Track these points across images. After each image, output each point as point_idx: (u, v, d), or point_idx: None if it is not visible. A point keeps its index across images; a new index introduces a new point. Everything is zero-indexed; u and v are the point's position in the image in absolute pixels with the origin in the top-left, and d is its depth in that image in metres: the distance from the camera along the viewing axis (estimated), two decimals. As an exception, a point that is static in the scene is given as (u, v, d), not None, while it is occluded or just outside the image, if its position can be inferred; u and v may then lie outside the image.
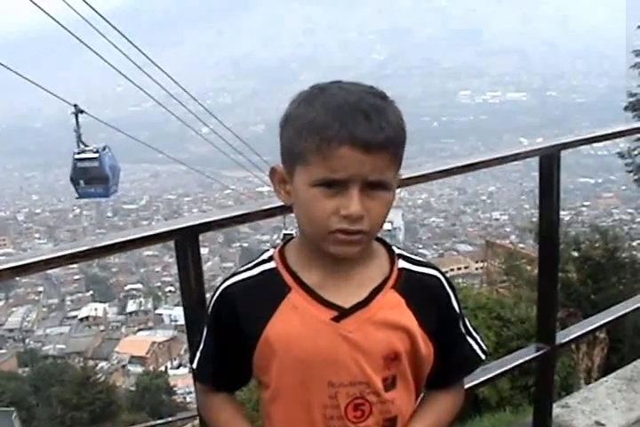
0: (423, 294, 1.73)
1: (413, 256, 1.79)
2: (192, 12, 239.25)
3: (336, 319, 1.65)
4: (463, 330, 1.81)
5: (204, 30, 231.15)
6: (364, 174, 1.53)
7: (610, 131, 3.22)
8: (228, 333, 1.72)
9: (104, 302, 66.79)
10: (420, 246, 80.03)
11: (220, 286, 1.75)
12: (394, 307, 1.69)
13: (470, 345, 1.81)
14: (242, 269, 1.76)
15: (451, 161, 2.68)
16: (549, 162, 2.90)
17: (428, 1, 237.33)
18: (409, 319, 1.69)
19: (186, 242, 2.11)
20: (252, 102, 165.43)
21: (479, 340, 1.82)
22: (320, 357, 1.67)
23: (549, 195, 2.95)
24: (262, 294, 1.70)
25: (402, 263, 1.74)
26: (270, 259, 1.73)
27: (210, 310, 1.76)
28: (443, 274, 1.80)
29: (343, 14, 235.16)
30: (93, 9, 17.88)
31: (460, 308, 1.80)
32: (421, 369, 1.76)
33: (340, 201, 1.54)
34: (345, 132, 1.50)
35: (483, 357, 1.81)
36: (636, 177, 18.40)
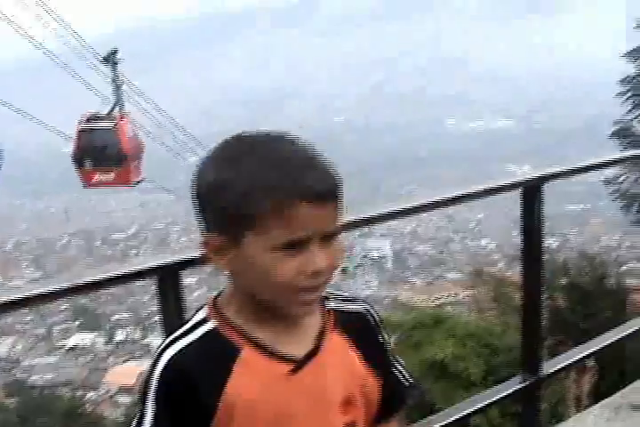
0: (359, 330, 1.72)
1: (340, 293, 1.76)
2: (182, 39, 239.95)
3: (292, 372, 1.61)
4: (393, 359, 1.80)
5: (193, 58, 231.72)
6: (323, 228, 1.49)
7: (590, 163, 3.24)
8: (183, 410, 1.58)
9: (92, 332, 66.36)
10: (409, 274, 79.91)
11: (159, 357, 1.61)
12: (339, 350, 1.67)
13: (403, 374, 1.80)
14: (178, 334, 1.63)
15: (433, 195, 2.69)
16: (532, 195, 2.90)
17: (415, 30, 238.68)
18: (355, 360, 1.68)
19: (167, 279, 2.10)
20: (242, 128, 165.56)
21: (404, 368, 1.81)
22: (282, 414, 1.61)
23: (532, 227, 2.95)
24: (211, 358, 1.60)
25: (332, 303, 1.71)
26: (207, 318, 1.63)
27: (154, 388, 1.59)
28: (370, 306, 1.79)
29: (330, 43, 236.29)
30: (85, 43, 18.02)
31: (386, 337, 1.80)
32: (371, 408, 1.73)
33: (303, 259, 1.49)
34: (298, 188, 1.44)
35: (410, 384, 1.80)
36: (622, 204, 18.48)
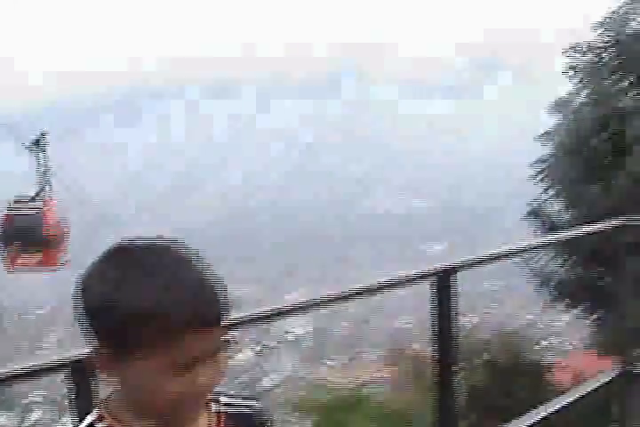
0: None
1: (229, 393, 1.76)
2: (101, 113, 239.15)
3: None
4: None
5: (109, 134, 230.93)
6: (209, 350, 1.49)
7: (499, 251, 3.30)
8: None
9: (4, 413, 64.33)
10: (329, 353, 79.44)
11: None
12: None
13: None
14: None
15: (347, 286, 2.71)
16: (444, 283, 2.94)
17: (327, 113, 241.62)
18: None
19: (79, 373, 2.08)
20: (158, 210, 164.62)
21: None
22: None
23: (444, 312, 2.98)
24: None
25: (221, 404, 1.72)
26: (95, 422, 1.60)
27: None
28: (260, 405, 1.79)
29: (247, 123, 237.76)
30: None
31: None
32: None
33: (188, 379, 1.48)
34: (184, 315, 1.44)
35: None
36: (535, 282, 18.71)
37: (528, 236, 18.57)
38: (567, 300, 18.48)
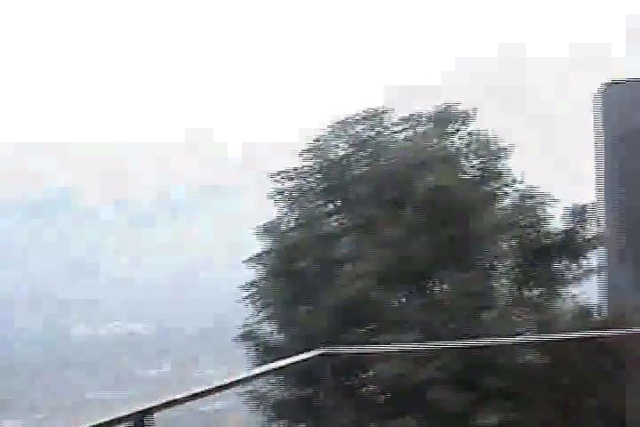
0: None
1: None
2: None
3: None
4: None
5: None
6: None
7: (197, 391, 3.29)
8: None
9: None
10: None
11: None
12: None
13: None
14: None
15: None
16: (140, 424, 2.88)
17: (44, 231, 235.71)
18: None
19: None
20: None
21: None
22: None
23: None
24: None
25: None
26: None
27: None
28: None
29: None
30: None
31: None
32: None
33: None
34: None
35: None
36: (252, 403, 18.68)
37: (244, 357, 18.68)
38: (285, 420, 18.58)
